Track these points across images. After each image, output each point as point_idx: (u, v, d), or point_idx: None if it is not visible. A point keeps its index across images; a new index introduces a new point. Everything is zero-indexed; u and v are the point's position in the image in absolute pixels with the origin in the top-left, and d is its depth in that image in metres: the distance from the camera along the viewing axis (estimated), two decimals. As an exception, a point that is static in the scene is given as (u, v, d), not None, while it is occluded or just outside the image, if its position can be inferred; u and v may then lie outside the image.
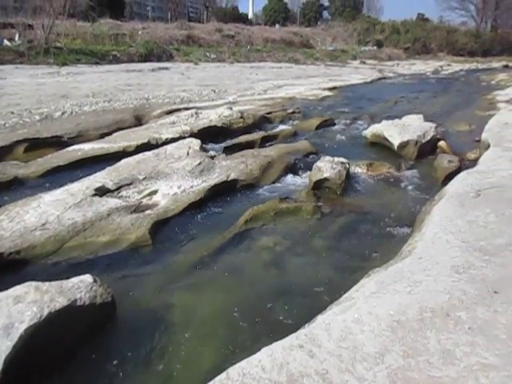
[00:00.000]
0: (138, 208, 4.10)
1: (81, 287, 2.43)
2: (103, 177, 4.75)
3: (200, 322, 2.63)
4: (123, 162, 5.25)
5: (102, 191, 4.39)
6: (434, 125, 6.92)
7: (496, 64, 38.65)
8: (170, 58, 25.48)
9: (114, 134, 6.84)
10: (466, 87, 18.19)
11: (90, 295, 2.42)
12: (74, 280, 2.48)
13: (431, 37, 50.38)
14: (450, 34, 52.37)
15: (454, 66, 36.51)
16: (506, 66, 35.75)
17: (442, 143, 6.57)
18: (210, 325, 2.61)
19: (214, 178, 4.88)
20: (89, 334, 2.44)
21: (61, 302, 2.27)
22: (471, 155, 6.11)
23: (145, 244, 3.57)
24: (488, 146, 5.75)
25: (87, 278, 2.52)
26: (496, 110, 9.81)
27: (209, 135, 7.14)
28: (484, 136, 6.40)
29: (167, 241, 3.69)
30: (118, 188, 4.55)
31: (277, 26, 52.94)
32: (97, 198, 4.16)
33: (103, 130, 7.16)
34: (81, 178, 4.72)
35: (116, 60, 21.96)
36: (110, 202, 4.10)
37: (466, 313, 2.05)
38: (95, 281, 2.52)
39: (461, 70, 31.69)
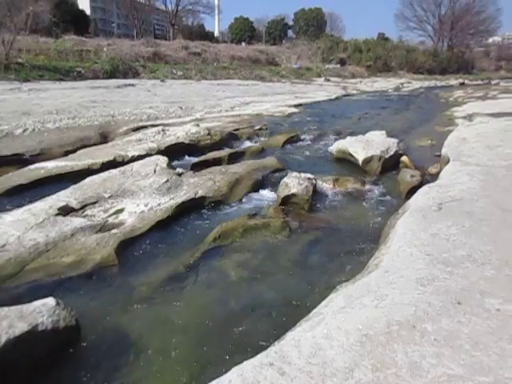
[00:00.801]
0: (103, 227, 4.01)
1: (43, 311, 2.34)
2: (67, 195, 4.63)
3: (168, 343, 2.57)
4: (88, 180, 5.14)
5: (65, 210, 4.27)
6: (396, 140, 7.13)
7: (453, 81, 40.47)
8: (136, 74, 25.32)
9: (79, 152, 6.70)
10: (425, 104, 18.91)
11: (53, 319, 2.33)
12: (36, 303, 2.39)
13: (392, 55, 52.41)
14: (410, 52, 54.69)
15: (414, 83, 37.97)
16: (463, 84, 37.49)
17: (404, 158, 6.77)
18: (178, 346, 2.56)
19: (181, 196, 4.84)
20: (51, 359, 2.34)
21: (20, 327, 2.18)
22: (432, 169, 6.31)
23: (111, 264, 3.48)
24: (448, 161, 5.96)
25: (50, 301, 2.43)
26: (454, 125, 10.22)
27: (176, 152, 7.10)
28: (444, 151, 6.64)
29: (134, 260, 3.62)
30: (83, 207, 4.44)
31: (243, 43, 53.76)
32: (60, 218, 4.05)
33: (67, 147, 7.00)
34: (44, 197, 4.58)
35: (81, 76, 21.63)
36: (75, 222, 3.99)
37: (431, 324, 2.10)
38: (58, 304, 2.44)
39: (420, 87, 32.98)
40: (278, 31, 68.95)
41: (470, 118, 11.21)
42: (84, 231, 3.84)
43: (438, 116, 13.39)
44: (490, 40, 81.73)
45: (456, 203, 3.98)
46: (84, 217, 4.22)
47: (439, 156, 6.77)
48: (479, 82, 40.65)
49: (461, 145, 6.96)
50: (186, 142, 7.52)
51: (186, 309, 2.95)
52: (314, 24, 66.96)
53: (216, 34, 66.77)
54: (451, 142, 7.30)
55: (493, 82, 37.58)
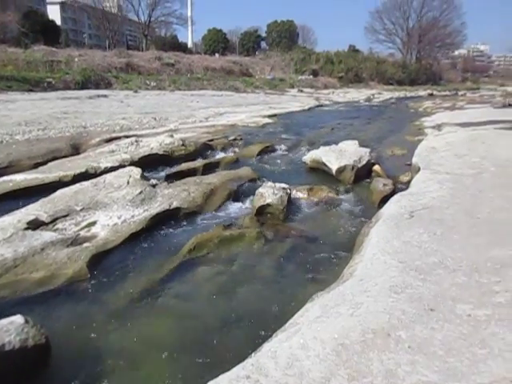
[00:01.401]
0: (75, 241, 3.92)
1: (10, 329, 2.25)
2: (37, 209, 4.50)
3: (142, 359, 2.52)
4: (59, 192, 5.02)
5: (35, 224, 4.15)
6: (368, 150, 7.26)
7: (422, 92, 41.61)
8: (108, 85, 25.06)
9: (49, 164, 6.55)
10: (396, 114, 19.35)
11: (21, 338, 2.24)
12: (3, 322, 2.30)
13: (362, 67, 53.63)
14: (380, 64, 56.12)
15: (385, 94, 38.88)
16: (431, 94, 38.60)
17: (376, 167, 6.89)
18: (153, 361, 2.51)
19: (155, 207, 4.78)
20: (19, 380, 2.26)
21: (-13, 347, 2.09)
22: (404, 178, 6.45)
23: (83, 278, 3.40)
24: (418, 170, 6.10)
25: (18, 318, 2.34)
26: (424, 135, 10.48)
27: (150, 163, 7.03)
28: (414, 160, 6.80)
29: (107, 274, 3.54)
30: (54, 220, 4.33)
31: (216, 55, 53.95)
32: (29, 232, 3.93)
33: (37, 159, 6.83)
34: (12, 210, 4.45)
35: (51, 87, 21.24)
36: (45, 236, 3.88)
37: (405, 332, 2.12)
38: (27, 321, 2.35)
39: (391, 98, 33.78)
40: (251, 42, 69.58)
41: (438, 127, 11.52)
42: (55, 245, 3.74)
43: (408, 126, 13.71)
44: (456, 52, 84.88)
45: (427, 211, 4.07)
46: (55, 230, 4.11)
47: (410, 165, 6.93)
48: (447, 92, 41.98)
49: (430, 154, 7.14)
50: (160, 152, 7.45)
51: (160, 323, 2.90)
52: (286, 36, 67.92)
53: (189, 45, 66.80)
54: (421, 151, 7.49)
55: (460, 93, 38.88)
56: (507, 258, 2.90)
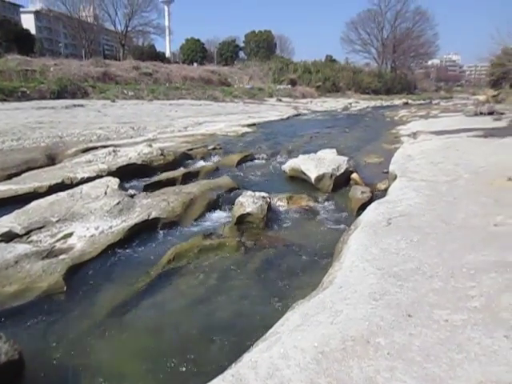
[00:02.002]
0: (50, 253, 3.83)
1: (-17, 346, 2.18)
2: (10, 221, 4.40)
3: (120, 374, 2.47)
4: (34, 203, 4.92)
5: (8, 236, 4.05)
6: (346, 158, 7.35)
7: (398, 101, 42.45)
8: (85, 95, 24.74)
9: (24, 175, 6.42)
10: (373, 123, 19.68)
11: (-6, 354, 2.18)
12: (-25, 339, 2.23)
13: (339, 76, 54.43)
14: (356, 73, 57.10)
15: (362, 103, 39.50)
16: (407, 103, 39.44)
17: (354, 175, 6.97)
18: (132, 375, 2.46)
19: (134, 218, 4.73)
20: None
21: (-42, 365, 2.02)
22: (381, 186, 6.54)
23: (59, 291, 3.32)
24: (395, 177, 6.21)
25: (-10, 335, 2.28)
26: (400, 143, 10.68)
27: (128, 173, 6.95)
28: (391, 168, 6.92)
29: (84, 286, 3.47)
30: (28, 232, 4.23)
31: (195, 64, 54.05)
32: (3, 245, 3.84)
33: (11, 170, 6.69)
34: (-16, 223, 4.33)
35: (25, 97, 20.82)
36: (19, 248, 3.79)
37: (384, 338, 2.14)
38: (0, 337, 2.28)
39: (368, 107, 34.34)
40: (229, 52, 69.92)
41: (414, 135, 11.76)
42: (29, 258, 3.65)
43: (385, 134, 13.95)
44: (430, 62, 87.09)
45: (404, 218, 4.14)
46: (29, 243, 4.02)
47: (387, 173, 7.04)
48: (421, 101, 42.93)
49: (407, 162, 7.28)
50: (139, 162, 7.39)
51: (139, 335, 2.85)
52: (264, 46, 68.53)
53: (167, 54, 66.74)
54: (398, 159, 7.62)
55: (434, 102, 39.80)
56: (481, 263, 2.96)
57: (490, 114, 15.97)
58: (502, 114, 15.57)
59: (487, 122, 13.42)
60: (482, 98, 27.20)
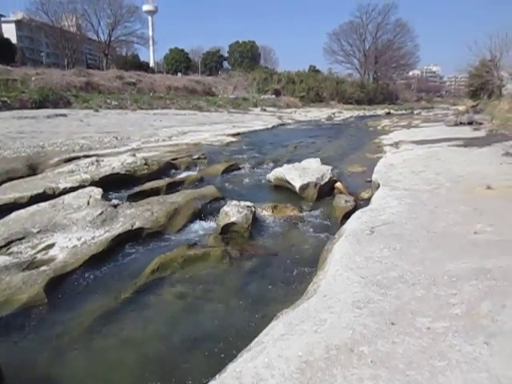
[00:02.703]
0: (31, 264, 3.77)
1: (-39, 361, 2.13)
2: (-10, 233, 4.31)
3: (104, 386, 2.43)
4: (14, 214, 4.84)
5: (-12, 249, 3.97)
6: (330, 167, 7.42)
7: (380, 111, 43.12)
8: (67, 104, 24.50)
9: (4, 185, 6.31)
10: (356, 132, 19.92)
11: (-27, 370, 2.13)
12: (-47, 354, 2.17)
13: (323, 86, 55.06)
14: (339, 84, 57.83)
15: (345, 112, 40.00)
16: (389, 113, 40.07)
17: (338, 184, 7.04)
18: (115, 388, 2.43)
19: (117, 228, 4.68)
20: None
21: None
22: (364, 195, 6.61)
23: (39, 303, 3.27)
24: (378, 186, 6.28)
25: (-31, 349, 2.22)
26: (383, 152, 10.83)
27: (112, 183, 6.89)
28: (374, 177, 7.00)
29: (66, 298, 3.42)
30: (8, 243, 4.16)
31: (179, 74, 54.06)
32: (-18, 257, 3.75)
33: (-10, 181, 6.57)
34: (-37, 235, 4.24)
35: (6, 107, 20.51)
36: (-1, 261, 3.71)
37: (367, 347, 2.16)
38: (-21, 352, 2.23)
39: (351, 117, 34.79)
40: (213, 62, 70.23)
41: (396, 145, 11.95)
42: (9, 270, 3.58)
43: (368, 144, 14.13)
44: (411, 73, 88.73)
45: (387, 226, 4.19)
46: (9, 254, 3.95)
47: (370, 181, 7.12)
48: (403, 111, 43.70)
49: (389, 171, 7.38)
50: (122, 172, 7.33)
51: (122, 347, 2.82)
52: (248, 56, 69.03)
53: (151, 64, 66.59)
54: (380, 168, 7.72)
55: (415, 112, 40.54)
56: (462, 270, 3.02)
57: (470, 123, 16.35)
58: (480, 123, 15.96)
59: (467, 132, 13.72)
60: (461, 108, 27.80)
